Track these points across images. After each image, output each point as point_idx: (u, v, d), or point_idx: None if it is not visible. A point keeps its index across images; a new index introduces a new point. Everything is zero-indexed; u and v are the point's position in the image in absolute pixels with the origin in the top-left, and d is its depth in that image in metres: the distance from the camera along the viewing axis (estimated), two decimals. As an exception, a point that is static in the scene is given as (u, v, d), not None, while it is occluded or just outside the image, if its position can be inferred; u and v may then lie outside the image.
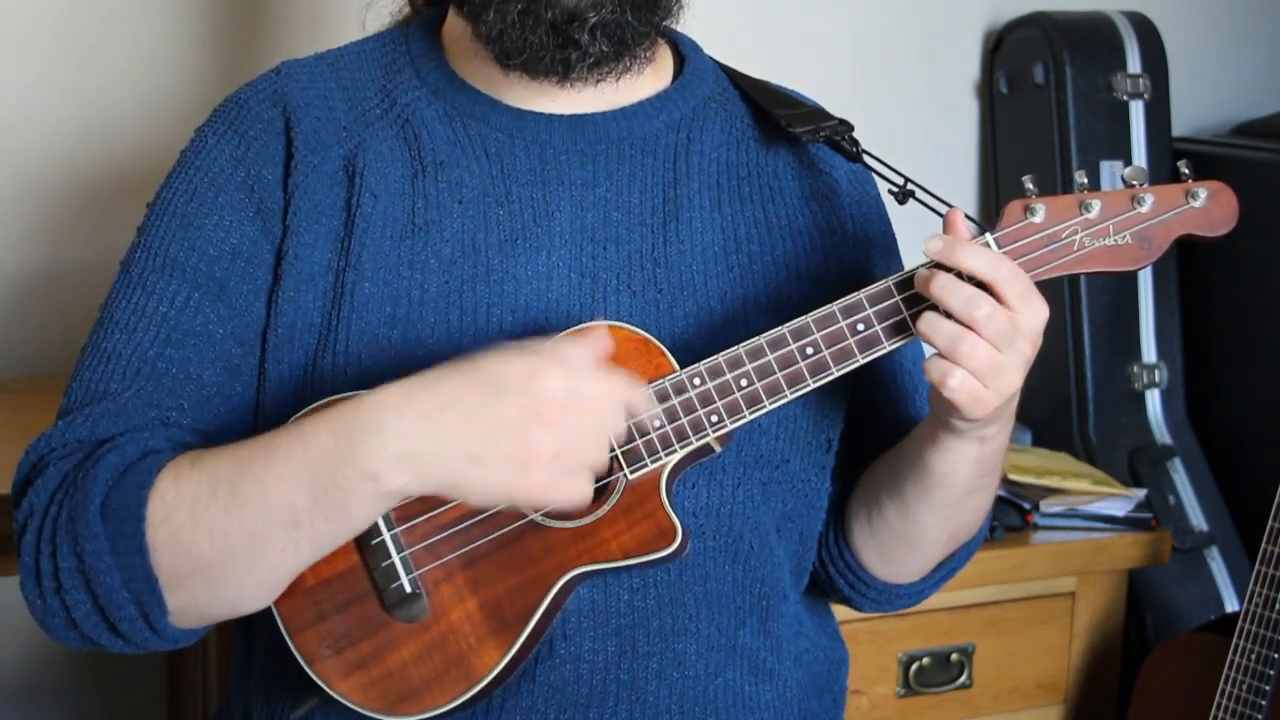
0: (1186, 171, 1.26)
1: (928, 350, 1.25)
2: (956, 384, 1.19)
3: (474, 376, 1.13)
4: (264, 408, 1.29)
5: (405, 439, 1.11)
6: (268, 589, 1.19)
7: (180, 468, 1.17)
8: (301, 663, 1.21)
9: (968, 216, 1.25)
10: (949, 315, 1.20)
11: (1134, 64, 2.62)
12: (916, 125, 2.69)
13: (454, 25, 1.37)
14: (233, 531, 1.15)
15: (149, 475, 1.16)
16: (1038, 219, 1.24)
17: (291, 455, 1.14)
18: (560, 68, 1.29)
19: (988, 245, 1.23)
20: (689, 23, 1.39)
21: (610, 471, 1.23)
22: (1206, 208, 1.25)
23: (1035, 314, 1.21)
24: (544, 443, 1.11)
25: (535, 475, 1.11)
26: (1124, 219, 1.25)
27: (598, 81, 1.32)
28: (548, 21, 1.26)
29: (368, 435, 1.12)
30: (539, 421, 1.10)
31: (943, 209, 1.27)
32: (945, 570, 1.46)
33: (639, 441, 1.22)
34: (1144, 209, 1.25)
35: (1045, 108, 2.60)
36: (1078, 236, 1.24)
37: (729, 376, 1.23)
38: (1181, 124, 2.74)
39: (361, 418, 1.13)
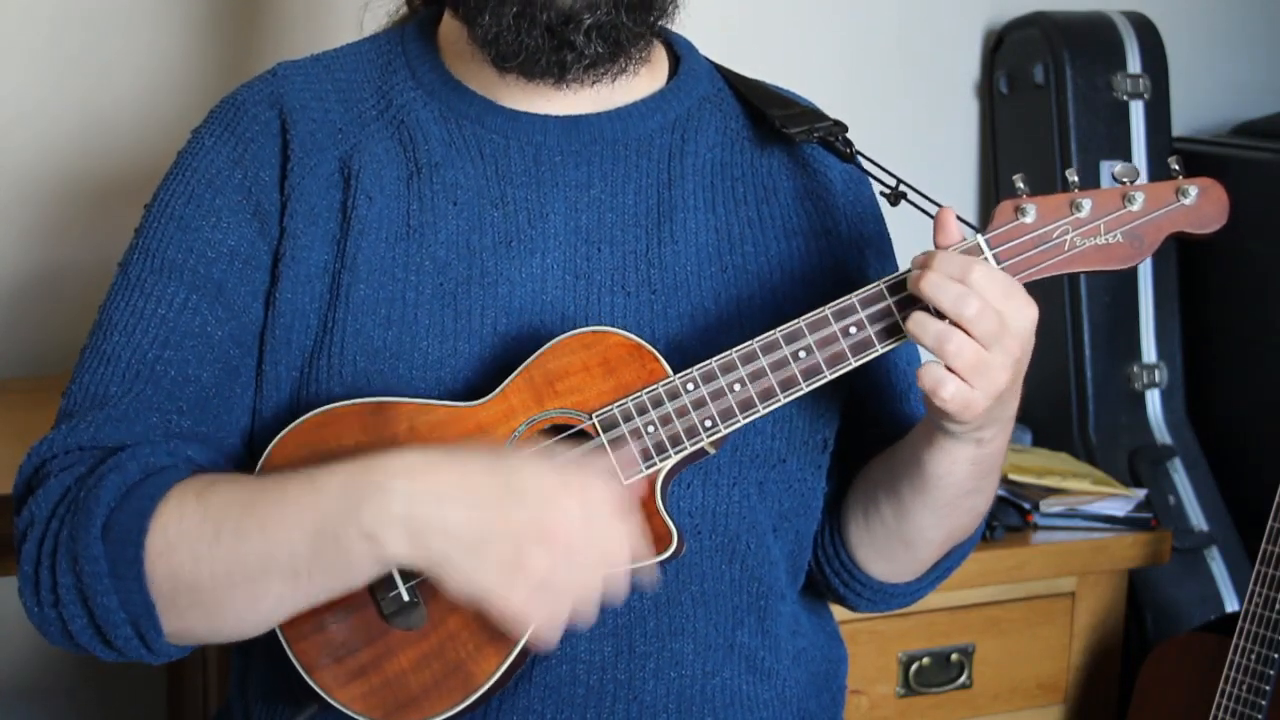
0: (1177, 168, 1.26)
1: (923, 353, 1.25)
2: (949, 395, 1.19)
3: (496, 468, 1.13)
4: (261, 409, 1.30)
5: (410, 505, 1.11)
6: (264, 624, 1.20)
7: (185, 500, 1.17)
8: (301, 672, 1.21)
9: (959, 218, 1.25)
10: (941, 317, 1.20)
11: (1134, 64, 2.62)
12: (917, 125, 2.69)
13: (449, 26, 1.37)
14: (234, 574, 1.15)
15: (151, 502, 1.16)
16: (1029, 219, 1.24)
17: (301, 503, 1.14)
18: (556, 69, 1.29)
19: (978, 246, 1.24)
20: (687, 22, 1.39)
21: None
22: (1197, 205, 1.25)
23: (1021, 313, 1.20)
24: (539, 564, 1.11)
25: (518, 590, 1.11)
26: (1115, 218, 1.24)
27: (594, 83, 1.32)
28: (543, 24, 1.26)
29: (376, 495, 1.12)
30: (541, 542, 1.11)
31: (935, 210, 1.27)
32: (940, 570, 1.46)
33: (633, 448, 1.22)
34: (1135, 207, 1.24)
35: (1045, 108, 2.60)
36: (1069, 236, 1.24)
37: (722, 381, 1.23)
38: (1181, 124, 2.74)
39: (374, 479, 1.13)
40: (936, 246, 1.24)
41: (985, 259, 1.23)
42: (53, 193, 2.24)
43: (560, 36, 1.27)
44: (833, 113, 1.43)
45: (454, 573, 1.12)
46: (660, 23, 1.34)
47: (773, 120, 1.38)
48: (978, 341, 1.19)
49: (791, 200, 1.40)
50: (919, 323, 1.20)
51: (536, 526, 1.11)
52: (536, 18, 1.26)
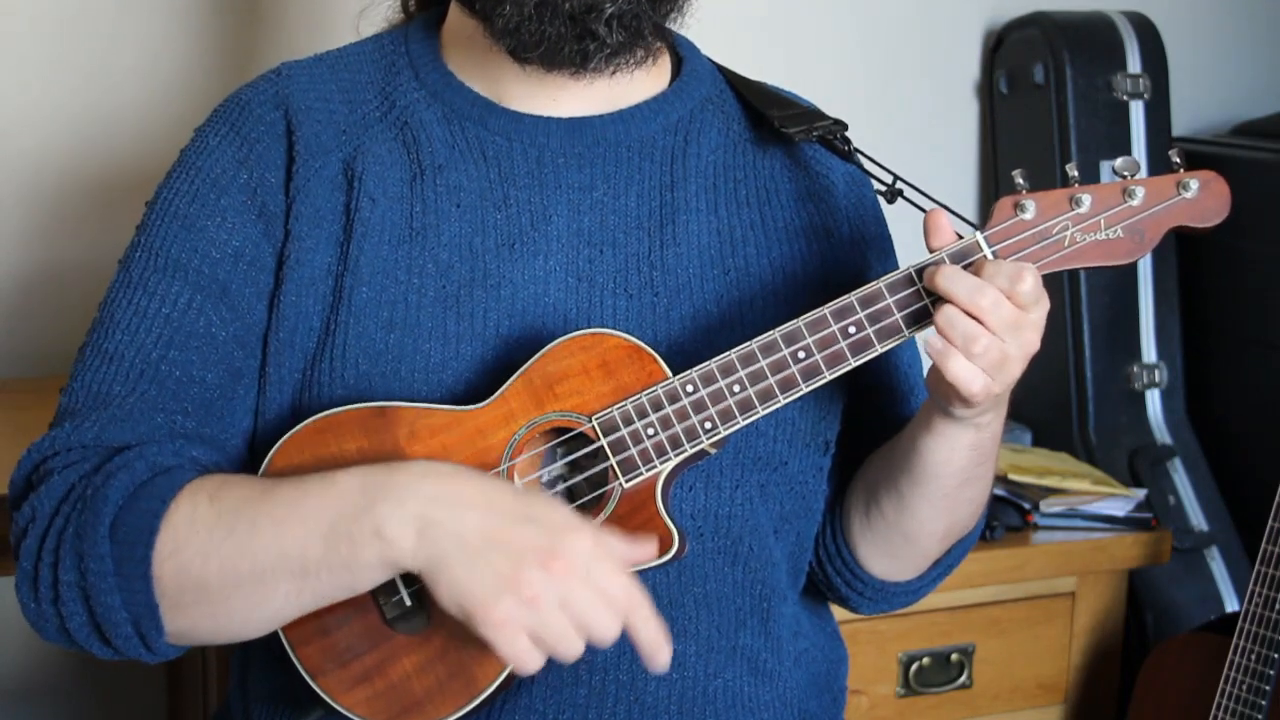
0: (1178, 161, 1.25)
1: (923, 352, 1.25)
2: (958, 368, 1.20)
3: (517, 495, 1.15)
4: (264, 410, 1.30)
5: (427, 505, 1.13)
6: (266, 626, 1.20)
7: (198, 500, 1.17)
8: (306, 677, 1.22)
9: (956, 214, 1.25)
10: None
11: (1134, 64, 2.62)
12: (917, 125, 2.69)
13: (453, 26, 1.37)
14: (241, 571, 1.15)
15: (162, 503, 1.16)
16: (1028, 215, 1.24)
17: (323, 499, 1.15)
18: (578, 59, 1.28)
19: (977, 244, 1.23)
20: (689, 22, 1.38)
21: (606, 481, 1.23)
22: (1198, 199, 1.24)
23: (1041, 308, 1.23)
24: (532, 583, 1.11)
25: (504, 605, 1.11)
26: (1115, 213, 1.24)
27: (614, 72, 1.31)
28: (565, 13, 1.26)
29: (395, 492, 1.13)
30: (542, 564, 1.11)
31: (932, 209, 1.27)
32: (941, 568, 1.46)
33: (633, 450, 1.22)
34: (1135, 202, 1.24)
35: (1045, 108, 2.60)
36: (1069, 232, 1.24)
37: (722, 383, 1.23)
38: (1181, 124, 2.74)
39: (397, 478, 1.14)
40: (930, 250, 1.24)
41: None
42: (54, 193, 2.24)
43: (582, 25, 1.26)
44: (832, 113, 1.43)
45: (448, 575, 1.12)
46: (677, 14, 1.34)
47: (772, 120, 1.38)
48: (996, 334, 1.19)
49: (793, 202, 1.40)
50: (948, 319, 1.20)
51: (542, 551, 1.11)
52: (559, 6, 1.26)
